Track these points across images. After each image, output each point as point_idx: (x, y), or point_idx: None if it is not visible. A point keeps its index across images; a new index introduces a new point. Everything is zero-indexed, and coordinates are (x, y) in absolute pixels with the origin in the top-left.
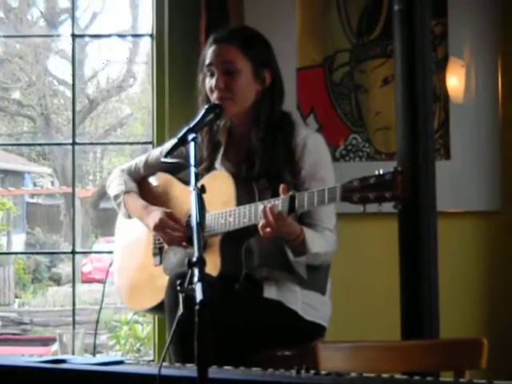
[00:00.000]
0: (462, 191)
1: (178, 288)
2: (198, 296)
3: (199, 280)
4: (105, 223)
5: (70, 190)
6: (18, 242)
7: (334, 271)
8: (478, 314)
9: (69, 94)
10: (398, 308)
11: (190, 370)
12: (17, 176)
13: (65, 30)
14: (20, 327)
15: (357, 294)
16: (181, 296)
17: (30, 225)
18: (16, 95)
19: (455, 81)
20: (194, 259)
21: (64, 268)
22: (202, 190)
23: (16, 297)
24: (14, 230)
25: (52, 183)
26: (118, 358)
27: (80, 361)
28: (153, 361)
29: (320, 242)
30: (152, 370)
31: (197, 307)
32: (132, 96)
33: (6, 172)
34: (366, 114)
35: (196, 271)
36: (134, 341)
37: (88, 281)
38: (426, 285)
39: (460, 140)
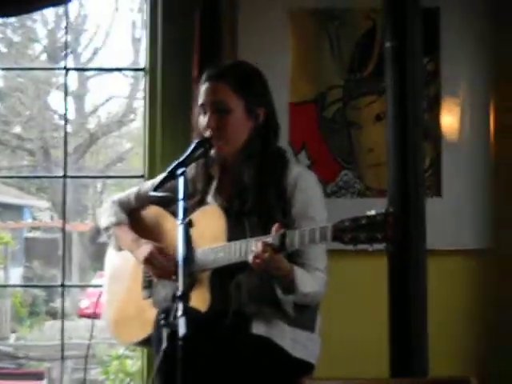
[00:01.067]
0: (453, 228)
1: (162, 322)
2: (181, 330)
3: (183, 314)
4: (103, 258)
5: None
6: (16, 276)
7: (323, 307)
8: (467, 352)
9: (69, 128)
10: (387, 345)
11: None
12: (16, 210)
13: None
14: (15, 361)
15: (345, 331)
16: (164, 330)
17: (28, 259)
18: (17, 129)
19: (448, 119)
20: (179, 293)
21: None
22: (189, 224)
23: (12, 331)
24: (11, 264)
25: (51, 217)
26: None
27: None
28: None
29: (309, 281)
30: None
31: (179, 342)
32: (132, 131)
33: (4, 206)
34: (358, 151)
35: (180, 305)
36: (123, 376)
37: (85, 315)
38: (415, 322)
39: (452, 177)
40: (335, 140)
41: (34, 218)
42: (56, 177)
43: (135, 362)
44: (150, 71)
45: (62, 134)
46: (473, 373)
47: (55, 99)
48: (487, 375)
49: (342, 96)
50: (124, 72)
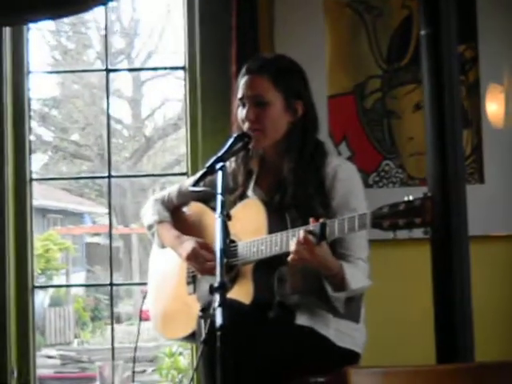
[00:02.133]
0: (496, 215)
1: (200, 314)
2: (218, 321)
3: (220, 305)
4: None
5: (126, 230)
6: (79, 281)
7: (368, 297)
8: None
9: (126, 133)
10: (433, 332)
11: None
12: (76, 216)
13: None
14: (79, 365)
15: (391, 319)
16: (202, 322)
17: (90, 264)
18: (74, 136)
19: (488, 105)
20: (216, 284)
21: (123, 307)
22: (227, 218)
23: (75, 337)
24: (73, 269)
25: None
26: None
27: None
28: None
29: (359, 277)
30: None
31: (218, 332)
32: None
33: (65, 212)
34: (398, 140)
35: (217, 296)
36: (175, 372)
37: (147, 318)
38: (459, 309)
39: (494, 164)
40: (375, 130)
41: (95, 224)
42: (101, 177)
43: (187, 359)
44: (189, 69)
45: (120, 139)
46: None
47: (111, 104)
48: None
49: (380, 86)
50: (177, 75)
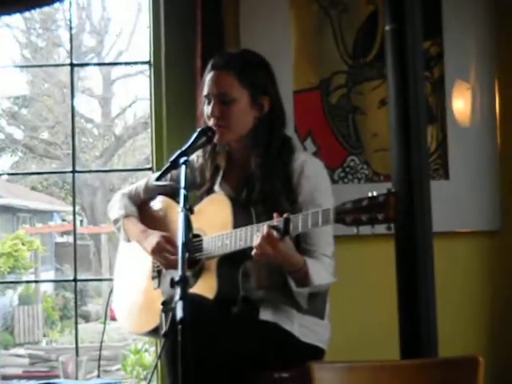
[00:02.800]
0: (461, 211)
1: (161, 308)
2: (179, 314)
3: (180, 298)
4: None
5: (96, 229)
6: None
7: (332, 293)
8: (477, 333)
9: (96, 131)
10: (397, 328)
11: None
12: (45, 215)
13: (91, 69)
14: (47, 364)
15: (355, 316)
16: (163, 316)
17: (59, 262)
18: (44, 135)
19: (453, 101)
20: (177, 278)
21: (93, 306)
22: (190, 212)
23: (44, 336)
24: (42, 267)
25: (81, 222)
26: (113, 380)
27: None
28: None
29: (322, 273)
30: None
31: (178, 326)
32: None
33: (34, 211)
34: (363, 136)
35: (178, 290)
36: (141, 369)
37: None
38: (423, 305)
39: (459, 160)
40: (340, 126)
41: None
42: (65, 172)
43: (152, 355)
44: (155, 64)
45: (90, 138)
46: (484, 353)
47: (81, 103)
48: (498, 357)
49: (346, 82)
50: (148, 73)
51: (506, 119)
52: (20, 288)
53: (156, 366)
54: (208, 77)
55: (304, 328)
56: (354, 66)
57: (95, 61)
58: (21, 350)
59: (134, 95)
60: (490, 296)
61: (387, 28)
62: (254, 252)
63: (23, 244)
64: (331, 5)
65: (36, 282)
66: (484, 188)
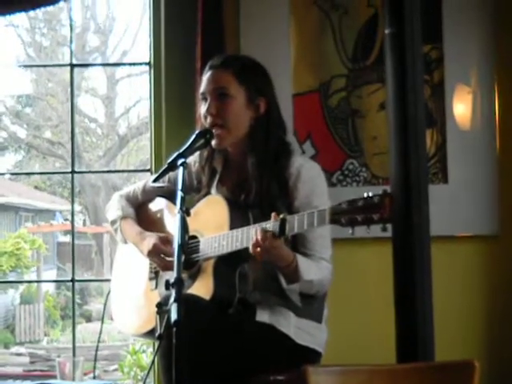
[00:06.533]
0: (459, 216)
1: (156, 310)
2: (173, 316)
3: (175, 300)
4: None
5: (99, 229)
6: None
7: (329, 295)
8: (475, 338)
9: (99, 131)
10: (394, 331)
11: None
12: (47, 214)
13: (95, 68)
14: (48, 363)
15: (352, 319)
16: (158, 318)
17: (62, 261)
18: (47, 134)
19: (453, 105)
20: (172, 280)
21: (95, 305)
22: (186, 213)
23: (45, 335)
24: (44, 267)
25: (84, 222)
26: (109, 382)
27: None
28: None
29: (313, 269)
30: None
31: (173, 328)
32: None
33: (37, 211)
34: (362, 139)
35: (173, 292)
36: (138, 370)
37: None
38: (420, 309)
39: (458, 164)
40: (340, 129)
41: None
42: (64, 172)
43: (149, 356)
44: (155, 65)
45: (94, 138)
46: (481, 357)
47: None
48: (496, 361)
49: (345, 85)
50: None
51: (505, 124)
52: (21, 287)
53: (151, 367)
54: (205, 76)
55: (300, 331)
56: (353, 69)
57: (99, 60)
58: (21, 349)
59: (138, 95)
60: (488, 300)
61: (387, 31)
62: (251, 250)
63: (25, 243)
64: (331, 8)
65: (30, 281)
66: (483, 192)
